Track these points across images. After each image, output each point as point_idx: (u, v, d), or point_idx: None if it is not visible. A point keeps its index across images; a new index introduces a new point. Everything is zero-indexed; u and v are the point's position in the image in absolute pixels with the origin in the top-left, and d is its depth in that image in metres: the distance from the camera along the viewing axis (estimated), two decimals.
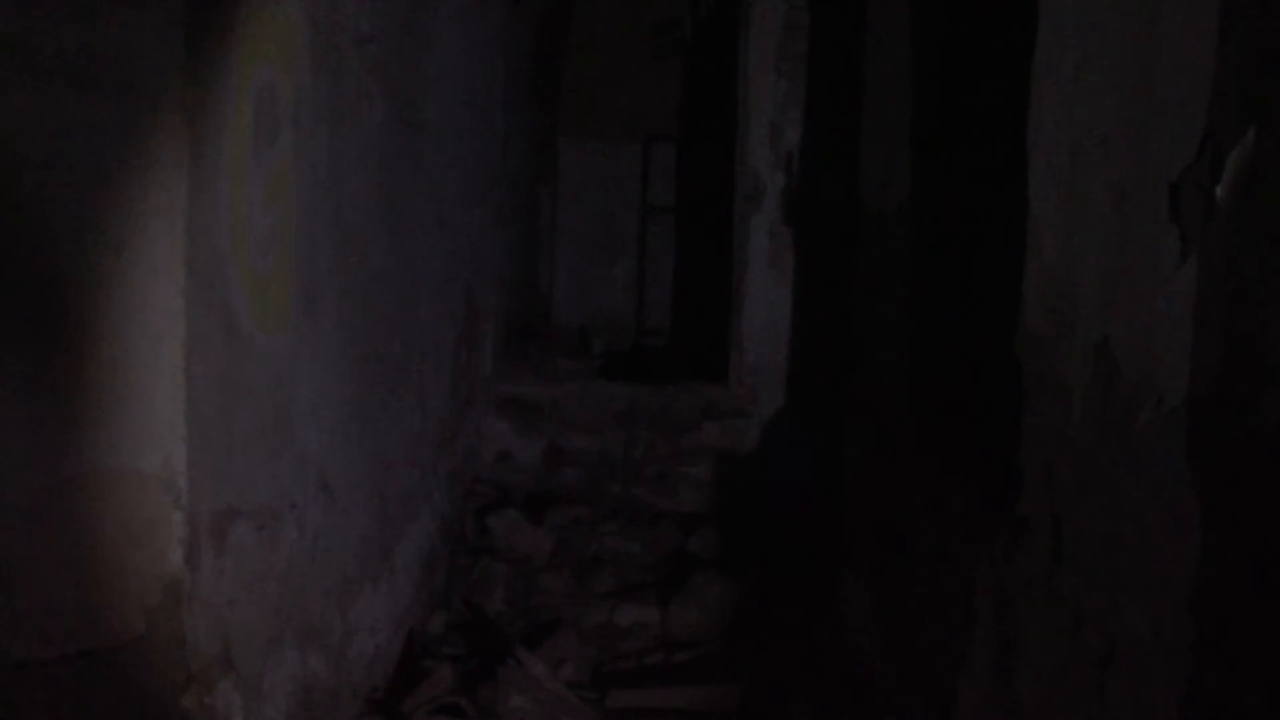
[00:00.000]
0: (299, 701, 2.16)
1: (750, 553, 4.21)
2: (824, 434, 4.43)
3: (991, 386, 2.36)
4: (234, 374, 1.82)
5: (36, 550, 1.78)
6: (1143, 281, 1.65)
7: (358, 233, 2.49)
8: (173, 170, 1.62)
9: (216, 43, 1.72)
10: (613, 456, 4.87)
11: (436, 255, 3.38)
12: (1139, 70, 1.67)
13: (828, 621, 3.39)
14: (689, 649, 3.42)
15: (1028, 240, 2.07)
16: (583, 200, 7.41)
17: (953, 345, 2.75)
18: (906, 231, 2.89)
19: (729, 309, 5.05)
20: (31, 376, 1.77)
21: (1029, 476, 2.04)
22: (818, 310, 4.87)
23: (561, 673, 3.11)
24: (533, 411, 4.89)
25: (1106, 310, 1.76)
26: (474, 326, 4.22)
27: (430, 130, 3.15)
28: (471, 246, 4.08)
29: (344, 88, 2.33)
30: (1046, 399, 1.99)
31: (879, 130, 3.14)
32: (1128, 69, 1.71)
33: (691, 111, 7.24)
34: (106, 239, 1.57)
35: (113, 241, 1.58)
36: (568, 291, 7.44)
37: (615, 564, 4.06)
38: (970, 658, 2.28)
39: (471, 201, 4.04)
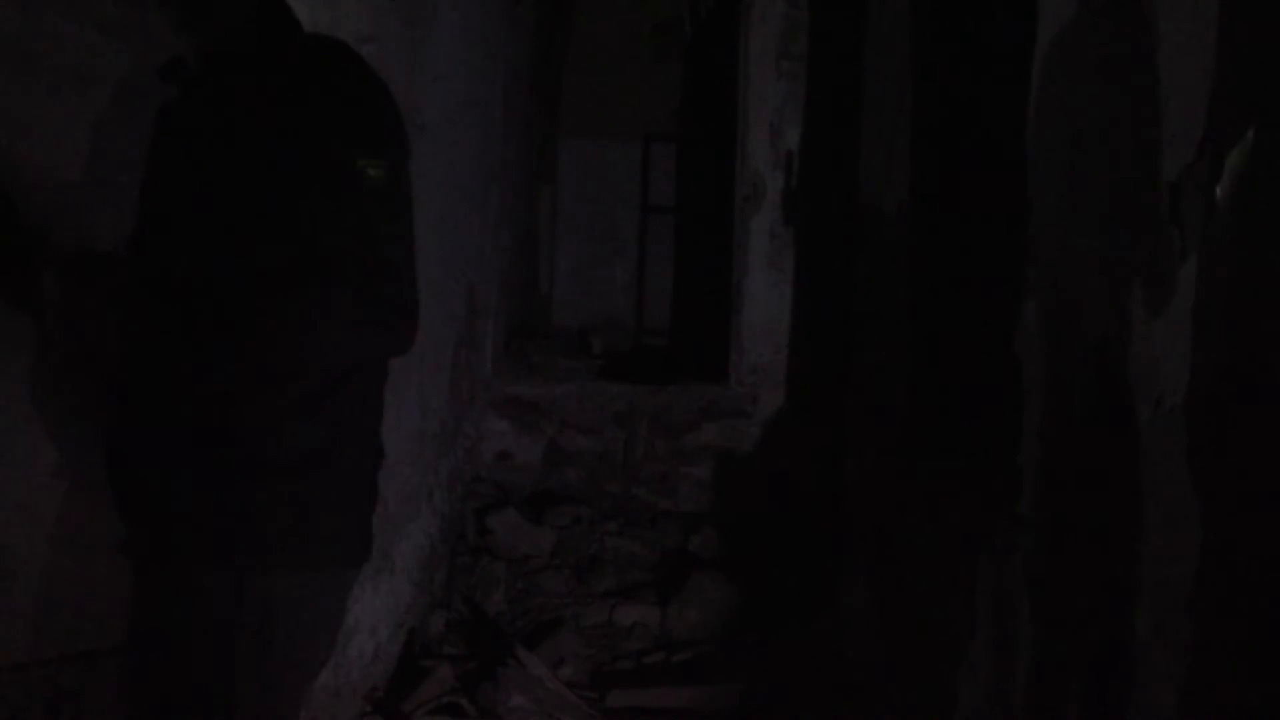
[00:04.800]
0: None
1: (750, 553, 4.21)
2: (824, 434, 4.43)
3: (991, 386, 2.36)
4: None
5: (38, 549, 1.78)
6: (1143, 281, 1.65)
7: None
8: None
9: None
10: (613, 456, 4.87)
11: (436, 255, 3.38)
12: (1139, 70, 1.67)
13: (828, 621, 3.39)
14: (689, 649, 3.42)
15: (1028, 240, 2.07)
16: (583, 200, 7.40)
17: (952, 345, 2.75)
18: (906, 231, 2.89)
19: (729, 309, 5.04)
20: (32, 377, 1.77)
21: (1029, 476, 2.04)
22: (818, 310, 4.87)
23: (561, 673, 3.11)
24: (533, 411, 4.89)
25: (1106, 310, 1.76)
26: (474, 326, 4.22)
27: (430, 130, 3.14)
28: (472, 246, 4.08)
29: None
30: (1046, 399, 1.99)
31: (879, 130, 3.14)
32: (1128, 69, 1.71)
33: (691, 111, 7.24)
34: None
35: None
36: (568, 292, 7.43)
37: (615, 564, 4.06)
38: (970, 658, 2.28)
39: (471, 202, 4.03)
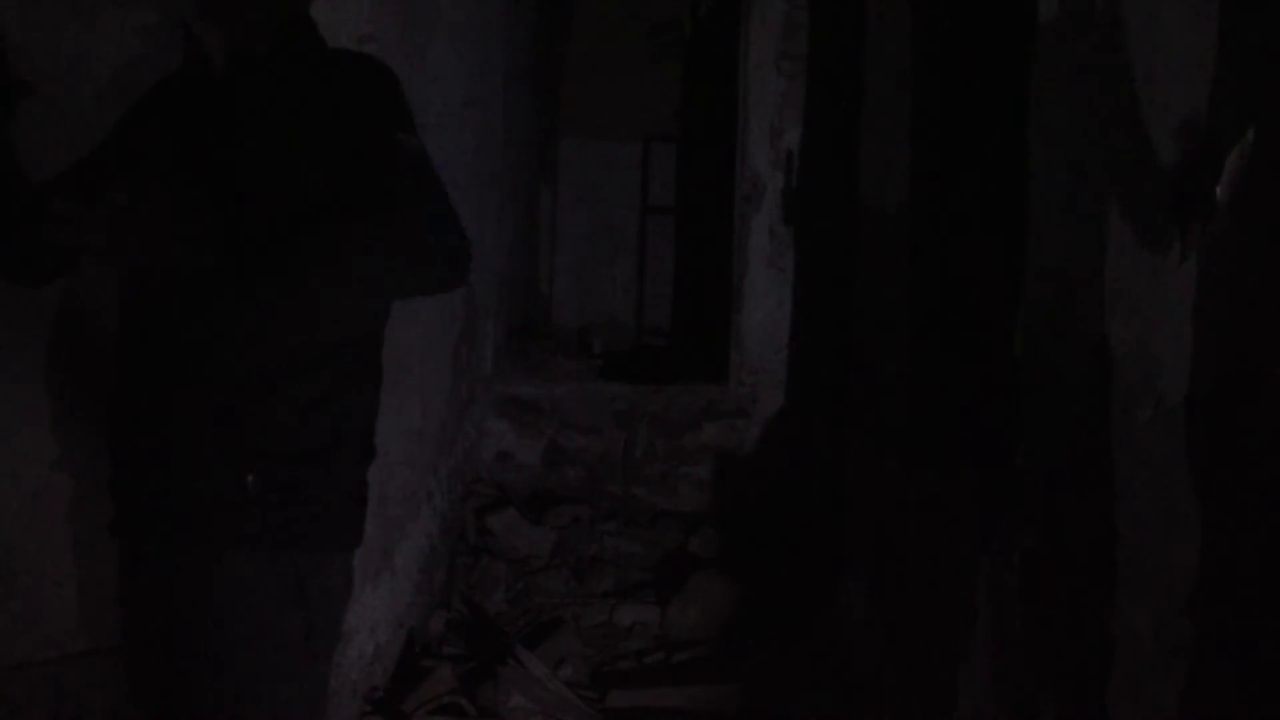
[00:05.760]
0: None
1: (750, 553, 4.21)
2: (824, 434, 4.43)
3: (991, 386, 2.36)
4: None
5: (38, 549, 1.78)
6: (1143, 281, 1.65)
7: None
8: None
9: None
10: (613, 456, 4.87)
11: None
12: (1139, 70, 1.67)
13: (828, 621, 3.39)
14: (689, 649, 3.42)
15: (1028, 240, 2.07)
16: (583, 200, 7.40)
17: (952, 345, 2.75)
18: (906, 231, 2.89)
19: (729, 309, 5.04)
20: (32, 376, 1.77)
21: (1029, 476, 2.04)
22: (818, 310, 4.87)
23: (561, 673, 3.11)
24: (533, 411, 4.89)
25: (1106, 310, 1.76)
26: (474, 326, 4.22)
27: (430, 130, 3.14)
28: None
29: None
30: (1046, 399, 1.99)
31: (879, 130, 3.14)
32: (1128, 68, 1.71)
33: (691, 111, 7.23)
34: None
35: None
36: (568, 291, 7.43)
37: (615, 564, 4.06)
38: (970, 658, 2.28)
39: (471, 201, 4.04)
